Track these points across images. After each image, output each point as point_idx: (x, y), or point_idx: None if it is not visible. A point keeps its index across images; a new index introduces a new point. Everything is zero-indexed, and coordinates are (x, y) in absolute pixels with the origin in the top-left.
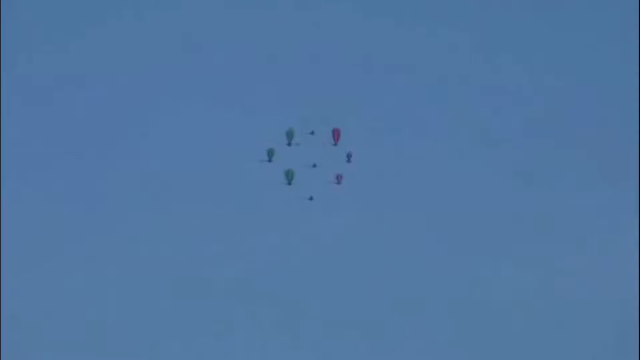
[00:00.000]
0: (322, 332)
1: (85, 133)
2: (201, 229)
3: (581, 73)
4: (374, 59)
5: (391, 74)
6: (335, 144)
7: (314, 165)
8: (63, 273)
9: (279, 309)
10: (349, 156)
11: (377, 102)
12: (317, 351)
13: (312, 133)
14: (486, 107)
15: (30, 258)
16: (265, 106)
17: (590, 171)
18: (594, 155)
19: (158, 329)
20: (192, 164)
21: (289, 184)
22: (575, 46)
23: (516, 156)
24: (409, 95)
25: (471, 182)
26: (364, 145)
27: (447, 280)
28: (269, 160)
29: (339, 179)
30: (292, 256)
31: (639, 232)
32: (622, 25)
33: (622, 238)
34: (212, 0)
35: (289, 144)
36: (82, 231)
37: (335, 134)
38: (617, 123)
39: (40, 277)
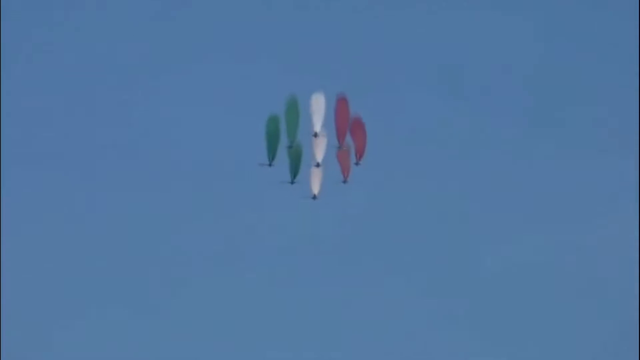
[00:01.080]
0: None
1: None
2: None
3: (579, 37)
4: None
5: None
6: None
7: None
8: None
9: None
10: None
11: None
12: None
13: (316, 135)
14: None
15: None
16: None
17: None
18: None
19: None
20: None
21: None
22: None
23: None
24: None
25: (475, 152)
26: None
27: (456, 251)
28: (270, 164)
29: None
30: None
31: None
32: None
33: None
34: None
35: (290, 146)
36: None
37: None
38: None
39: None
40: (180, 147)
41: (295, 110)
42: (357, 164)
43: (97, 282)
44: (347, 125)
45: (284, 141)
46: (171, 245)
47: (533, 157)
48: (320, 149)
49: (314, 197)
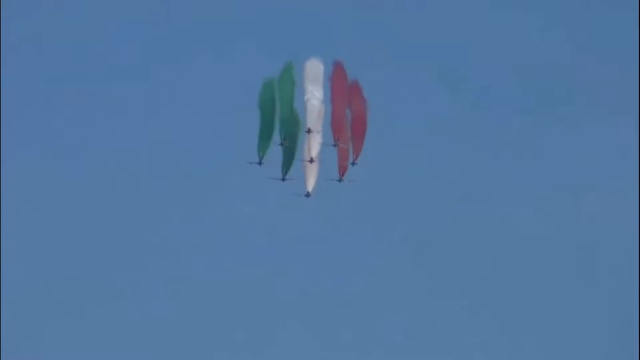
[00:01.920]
0: None
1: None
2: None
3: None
4: None
5: None
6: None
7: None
8: None
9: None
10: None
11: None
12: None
13: (309, 131)
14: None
15: None
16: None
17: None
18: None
19: None
20: None
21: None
22: None
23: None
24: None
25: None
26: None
27: (468, 220)
28: (259, 163)
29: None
30: None
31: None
32: None
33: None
34: None
35: (281, 144)
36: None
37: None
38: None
39: None
40: (175, 142)
41: (290, 77)
42: (354, 163)
43: (94, 276)
44: (344, 91)
45: (276, 139)
46: (164, 239)
47: (534, 134)
48: (314, 145)
49: (308, 194)
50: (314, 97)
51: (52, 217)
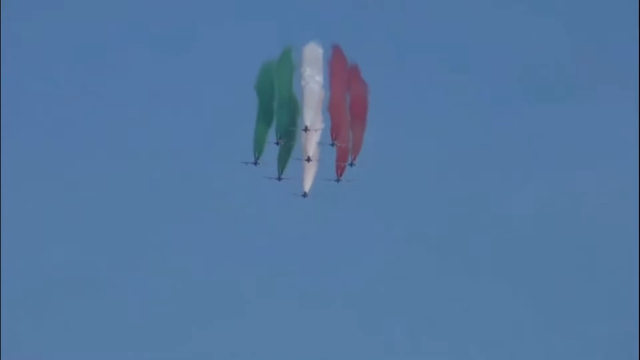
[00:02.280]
0: None
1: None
2: None
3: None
4: None
5: None
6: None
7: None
8: None
9: None
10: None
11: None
12: None
13: (306, 129)
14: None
15: None
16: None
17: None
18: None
19: None
20: None
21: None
22: None
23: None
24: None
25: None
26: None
27: (470, 199)
28: (255, 163)
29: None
30: None
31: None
32: None
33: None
34: None
35: (277, 143)
36: None
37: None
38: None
39: None
40: (172, 142)
41: (289, 62)
42: (352, 164)
43: (92, 276)
44: (344, 75)
45: (272, 138)
46: (162, 238)
47: (535, 111)
48: (312, 143)
49: (305, 194)
50: (314, 81)
51: (50, 217)
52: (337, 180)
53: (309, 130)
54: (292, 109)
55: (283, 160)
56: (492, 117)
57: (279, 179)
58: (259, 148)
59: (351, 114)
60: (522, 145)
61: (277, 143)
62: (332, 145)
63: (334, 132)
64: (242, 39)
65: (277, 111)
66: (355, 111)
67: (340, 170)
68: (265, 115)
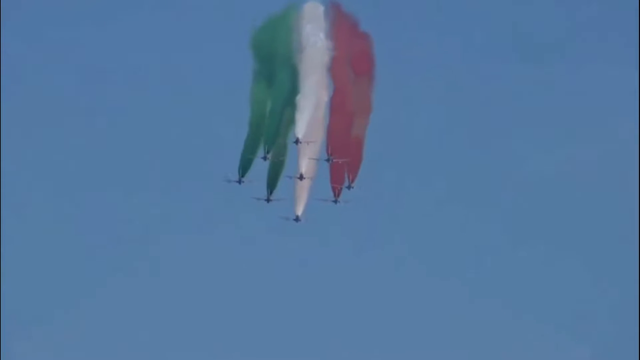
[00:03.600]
0: None
1: None
2: None
3: None
4: None
5: None
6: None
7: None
8: None
9: None
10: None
11: None
12: None
13: (298, 141)
14: None
15: None
16: None
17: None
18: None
19: None
20: None
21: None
22: None
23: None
24: None
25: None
26: None
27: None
28: (239, 181)
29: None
30: None
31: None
32: None
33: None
34: None
35: (265, 158)
36: None
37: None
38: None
39: None
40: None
41: (289, 19)
42: (350, 187)
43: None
44: (345, 31)
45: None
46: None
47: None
48: (305, 158)
49: (297, 218)
50: (316, 38)
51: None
52: (335, 201)
53: (301, 142)
54: (292, 73)
55: (273, 177)
56: (495, 83)
57: (268, 200)
58: (244, 165)
59: (355, 72)
60: (526, 106)
61: (265, 158)
62: (328, 160)
63: (336, 101)
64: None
65: (277, 75)
66: (359, 69)
67: (337, 190)
68: (262, 77)
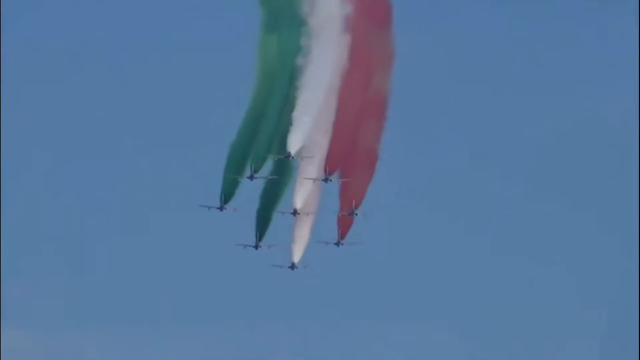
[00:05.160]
0: None
1: None
2: None
3: None
4: None
5: None
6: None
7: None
8: None
9: None
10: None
11: None
12: None
13: (289, 156)
14: None
15: None
16: None
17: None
18: None
19: None
20: None
21: None
22: None
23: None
24: None
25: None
26: None
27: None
28: (220, 208)
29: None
30: None
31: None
32: None
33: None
34: None
35: (251, 177)
36: None
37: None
38: None
39: None
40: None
41: None
42: (354, 214)
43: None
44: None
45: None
46: None
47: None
48: (302, 183)
49: (293, 265)
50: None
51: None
52: (338, 244)
53: (292, 157)
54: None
55: (264, 215)
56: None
57: (256, 247)
58: (228, 184)
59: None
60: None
61: (251, 177)
62: (325, 180)
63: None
64: None
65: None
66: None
67: (342, 228)
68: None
